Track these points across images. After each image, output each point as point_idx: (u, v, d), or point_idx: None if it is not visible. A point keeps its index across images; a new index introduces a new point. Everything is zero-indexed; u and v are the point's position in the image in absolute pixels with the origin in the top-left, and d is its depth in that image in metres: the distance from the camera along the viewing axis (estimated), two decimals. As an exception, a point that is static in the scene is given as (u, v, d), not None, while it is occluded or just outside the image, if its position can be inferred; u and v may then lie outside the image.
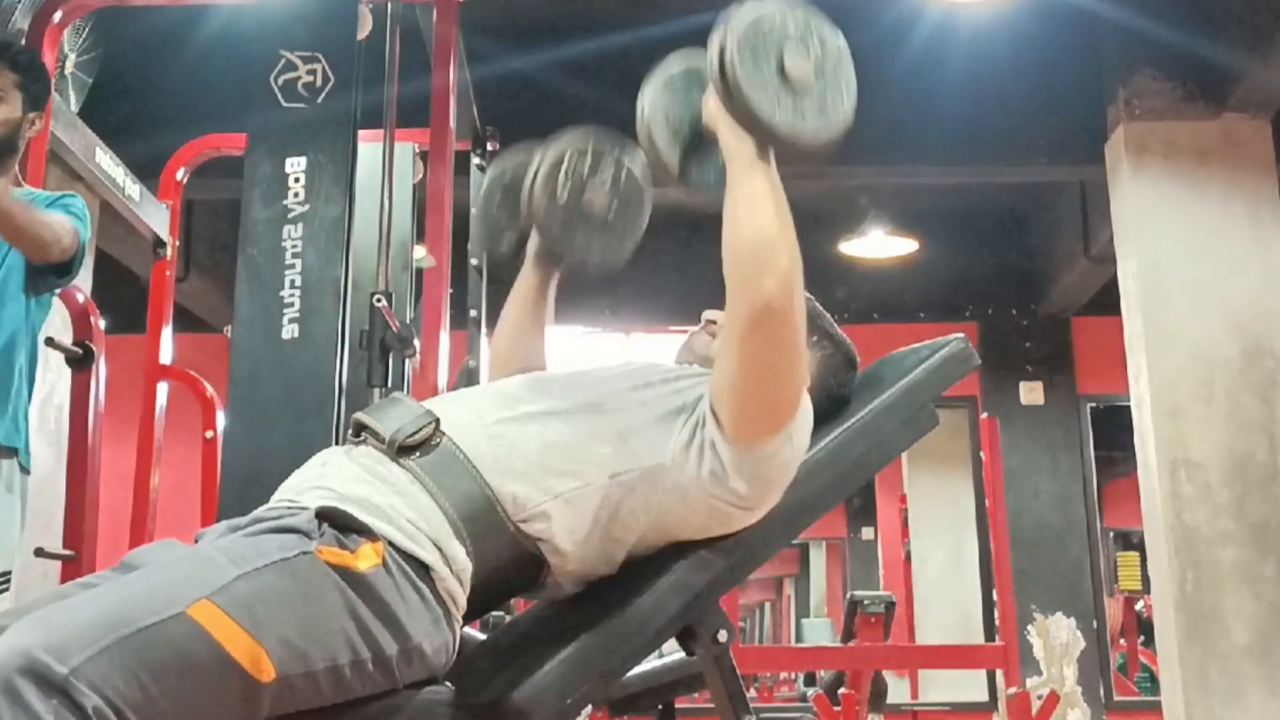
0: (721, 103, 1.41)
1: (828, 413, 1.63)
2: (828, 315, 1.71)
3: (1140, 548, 6.57)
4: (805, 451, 1.53)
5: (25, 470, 2.49)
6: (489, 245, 1.86)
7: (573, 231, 1.70)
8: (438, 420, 1.43)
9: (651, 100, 1.54)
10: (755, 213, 1.40)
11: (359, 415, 1.48)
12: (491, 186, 1.84)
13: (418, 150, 3.36)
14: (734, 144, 1.43)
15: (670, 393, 1.51)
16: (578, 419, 1.46)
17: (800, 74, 1.40)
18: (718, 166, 1.48)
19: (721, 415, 1.43)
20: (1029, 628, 6.50)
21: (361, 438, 1.46)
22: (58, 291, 2.65)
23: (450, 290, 3.02)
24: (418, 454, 1.40)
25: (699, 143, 1.53)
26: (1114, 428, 6.32)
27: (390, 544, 1.31)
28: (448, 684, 1.37)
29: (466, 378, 3.75)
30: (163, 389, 3.53)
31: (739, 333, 1.40)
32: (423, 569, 1.32)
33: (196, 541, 1.38)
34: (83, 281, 3.22)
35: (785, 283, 1.37)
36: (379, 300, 2.44)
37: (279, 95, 2.46)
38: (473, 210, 1.88)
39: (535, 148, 1.74)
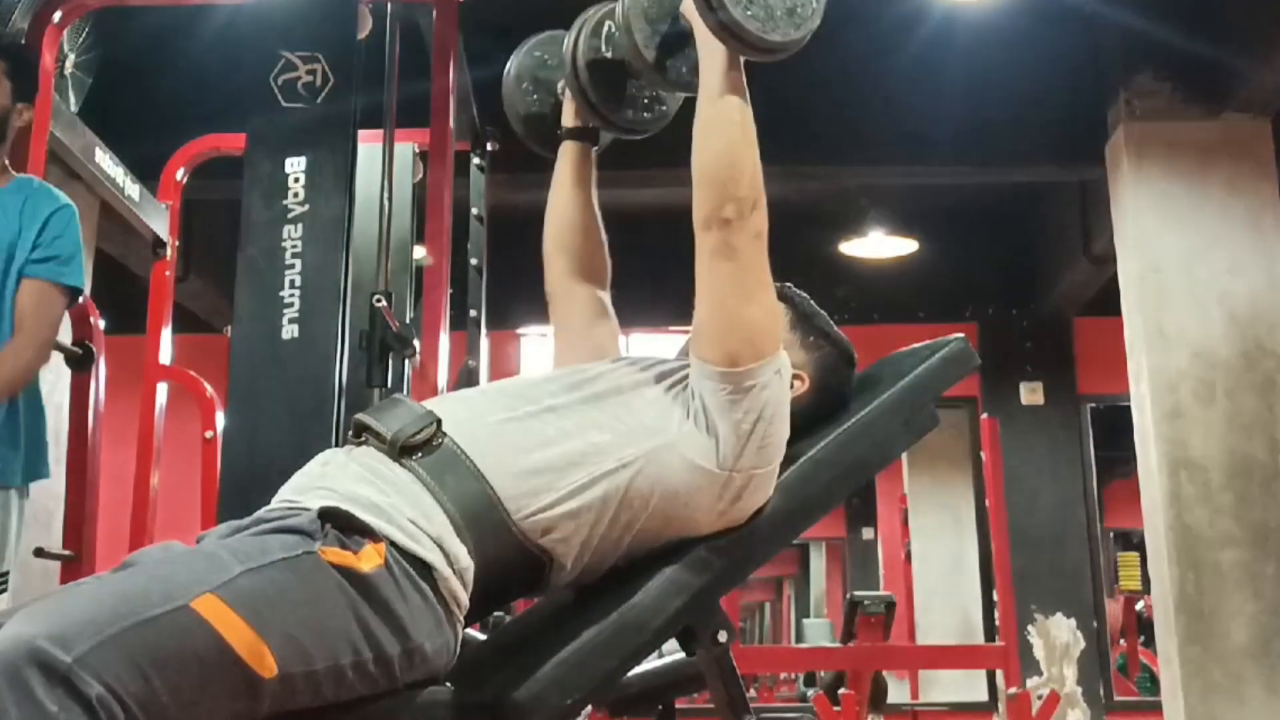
0: (695, 5, 1.44)
1: (827, 412, 1.63)
2: (823, 313, 1.70)
3: (1140, 548, 6.57)
4: (803, 452, 1.53)
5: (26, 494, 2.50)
6: (524, 125, 1.89)
7: (619, 91, 1.75)
8: (439, 420, 1.43)
9: None
10: (722, 134, 1.46)
11: (360, 416, 1.48)
12: (522, 69, 1.88)
13: (418, 150, 3.36)
14: (707, 48, 1.48)
15: (668, 384, 1.52)
16: (578, 413, 1.47)
17: None
18: (692, 63, 1.53)
19: (704, 348, 1.46)
20: (1029, 628, 6.49)
21: (362, 438, 1.46)
22: None
23: (450, 290, 3.01)
24: (419, 454, 1.40)
25: (676, 39, 1.57)
26: (1114, 428, 6.32)
27: (392, 544, 1.31)
28: (448, 684, 1.37)
29: (466, 378, 3.74)
30: (163, 389, 3.52)
31: (706, 253, 1.46)
32: (425, 569, 1.32)
33: (198, 543, 1.38)
34: (83, 282, 3.21)
35: (745, 201, 1.45)
36: (379, 300, 2.43)
37: (279, 95, 2.46)
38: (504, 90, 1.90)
39: (555, 34, 1.81)
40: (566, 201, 1.84)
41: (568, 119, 1.84)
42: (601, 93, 1.76)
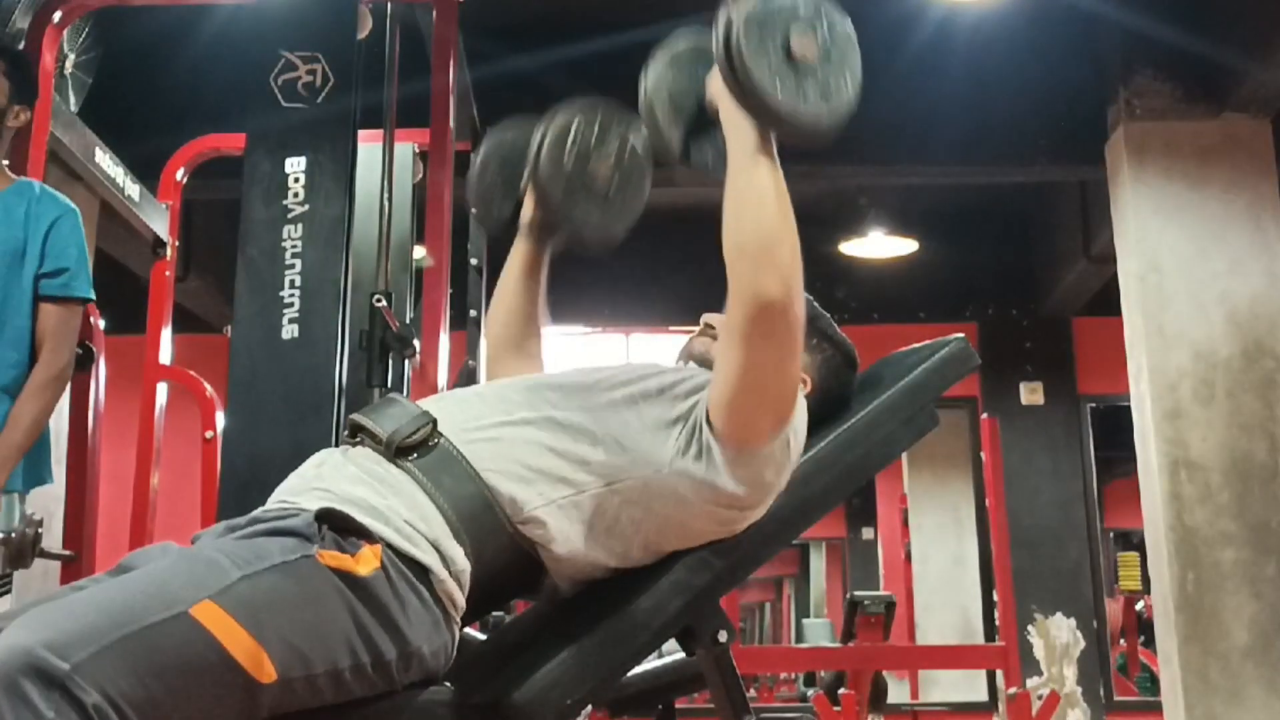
0: (723, 79, 1.39)
1: (829, 413, 1.62)
2: (827, 316, 1.70)
3: (1140, 548, 6.57)
4: (803, 452, 1.53)
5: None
6: (483, 212, 1.85)
7: (573, 201, 1.69)
8: (435, 421, 1.43)
9: (655, 76, 1.53)
10: (756, 206, 1.39)
11: (355, 416, 1.47)
12: (489, 154, 1.83)
13: (418, 150, 3.36)
14: (735, 126, 1.41)
15: (668, 401, 1.49)
16: (575, 427, 1.45)
17: (806, 55, 1.38)
18: (718, 148, 1.46)
19: (718, 419, 1.43)
20: (1029, 628, 6.50)
21: (358, 439, 1.46)
22: None
23: (450, 290, 3.01)
24: (415, 455, 1.40)
25: (701, 122, 1.51)
26: (1114, 428, 6.32)
27: (389, 546, 1.31)
28: (447, 684, 1.37)
29: (466, 378, 3.74)
30: (163, 389, 3.52)
31: (740, 330, 1.39)
32: (421, 571, 1.32)
33: (194, 543, 1.37)
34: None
35: (786, 280, 1.36)
36: (379, 300, 2.44)
37: (279, 95, 2.45)
38: (470, 174, 1.87)
39: (533, 120, 1.74)
40: (515, 296, 1.81)
41: (526, 212, 1.79)
42: (562, 195, 1.69)
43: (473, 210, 1.87)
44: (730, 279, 1.40)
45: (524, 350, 1.82)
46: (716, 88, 1.44)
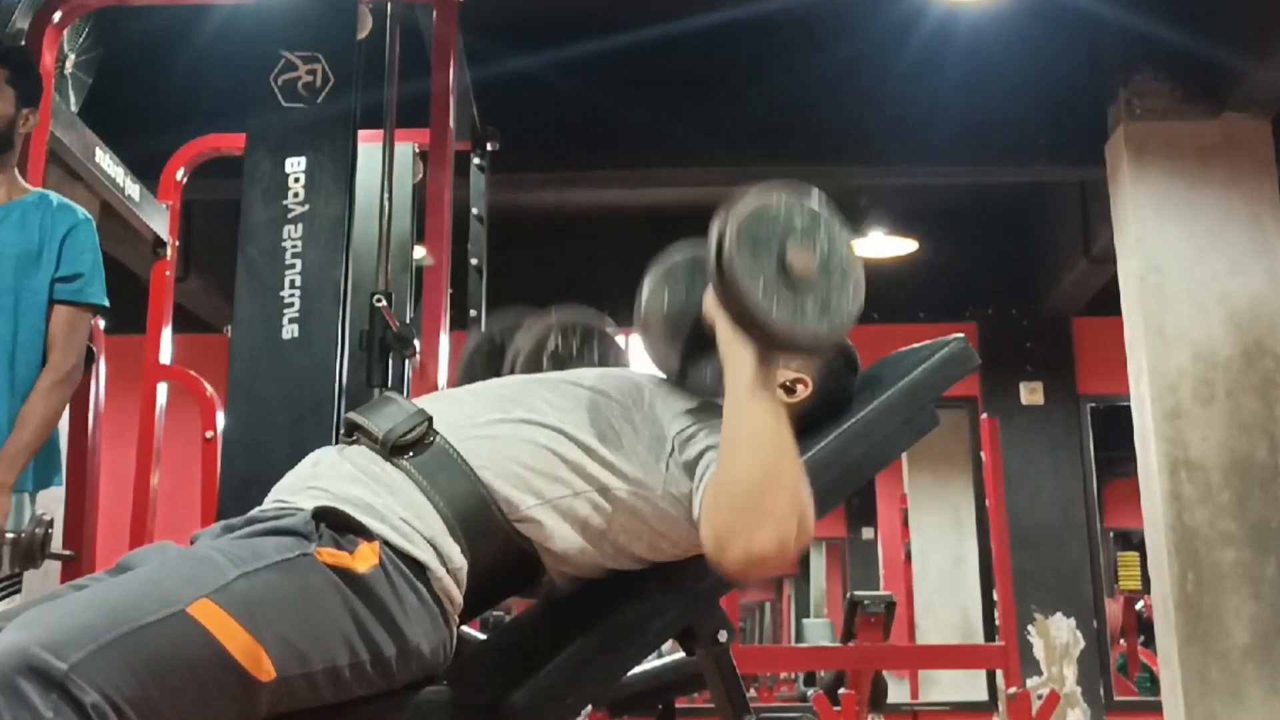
0: (717, 295, 1.33)
1: (828, 414, 1.62)
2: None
3: (1140, 548, 6.57)
4: (803, 453, 1.53)
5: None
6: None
7: None
8: (430, 419, 1.43)
9: (650, 294, 1.49)
10: (749, 452, 1.29)
11: (351, 415, 1.47)
12: (476, 349, 1.87)
13: (418, 150, 3.36)
14: (732, 350, 1.35)
15: (660, 416, 1.48)
16: (570, 430, 1.45)
17: (803, 270, 1.31)
18: (718, 366, 1.39)
19: (705, 541, 1.34)
20: (1029, 628, 6.49)
21: (354, 437, 1.46)
22: None
23: (450, 290, 3.01)
24: (411, 453, 1.40)
25: (699, 339, 1.45)
26: (1114, 428, 6.32)
27: (386, 543, 1.31)
28: (447, 684, 1.37)
29: (466, 377, 3.74)
30: (163, 389, 3.53)
31: (726, 561, 1.28)
32: (418, 568, 1.32)
33: (192, 543, 1.37)
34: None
35: (782, 533, 1.26)
36: (379, 300, 2.44)
37: (279, 95, 2.45)
38: (458, 363, 1.90)
39: (524, 313, 1.75)
40: None
41: None
42: None
43: None
44: (722, 518, 1.29)
45: None
46: (712, 305, 1.38)
